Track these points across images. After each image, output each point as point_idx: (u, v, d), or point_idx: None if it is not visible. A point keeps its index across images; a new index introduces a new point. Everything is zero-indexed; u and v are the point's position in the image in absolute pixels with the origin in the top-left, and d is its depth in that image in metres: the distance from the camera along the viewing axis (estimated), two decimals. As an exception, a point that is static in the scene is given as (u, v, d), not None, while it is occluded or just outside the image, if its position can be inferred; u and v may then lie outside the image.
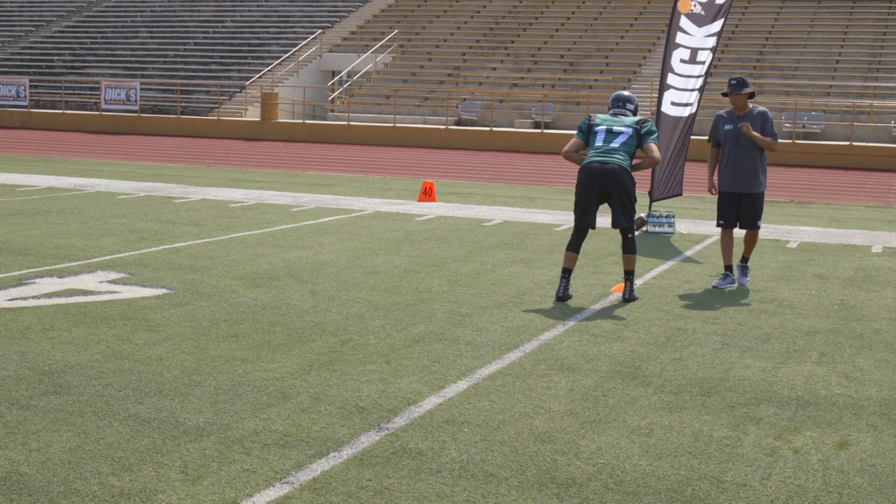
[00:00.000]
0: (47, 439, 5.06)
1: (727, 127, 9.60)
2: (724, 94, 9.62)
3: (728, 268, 9.78)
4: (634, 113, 9.14)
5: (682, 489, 4.70)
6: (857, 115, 30.51)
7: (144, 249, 10.85)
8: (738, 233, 10.01)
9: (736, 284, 9.75)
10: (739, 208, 9.67)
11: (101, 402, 5.64)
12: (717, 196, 9.89)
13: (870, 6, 37.23)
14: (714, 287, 9.65)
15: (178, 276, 9.36)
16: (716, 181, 9.92)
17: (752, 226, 9.70)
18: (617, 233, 13.32)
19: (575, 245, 8.98)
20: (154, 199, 15.68)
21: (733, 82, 9.52)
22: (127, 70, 39.93)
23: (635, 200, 9.00)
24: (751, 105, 9.63)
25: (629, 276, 8.98)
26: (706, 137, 10.18)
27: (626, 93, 9.27)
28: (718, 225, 9.82)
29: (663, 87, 13.69)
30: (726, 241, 9.80)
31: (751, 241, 9.86)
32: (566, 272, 8.87)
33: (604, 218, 14.72)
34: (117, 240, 11.45)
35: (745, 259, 9.91)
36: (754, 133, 9.42)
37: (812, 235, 13.52)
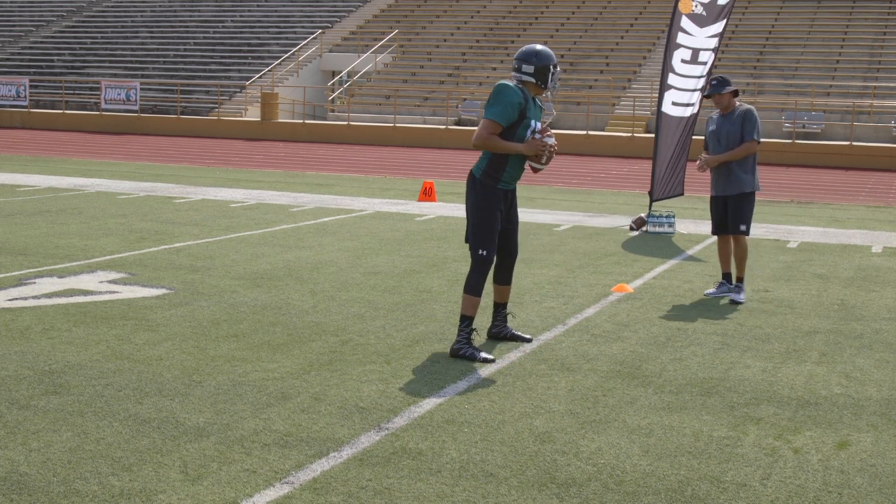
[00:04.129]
0: (47, 439, 5.06)
1: (710, 129, 9.20)
2: (707, 97, 9.20)
3: (726, 276, 9.29)
4: (535, 76, 6.86)
5: (682, 489, 4.70)
6: (857, 115, 30.51)
7: (144, 249, 10.84)
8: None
9: (731, 294, 9.10)
10: (727, 212, 9.14)
11: (101, 402, 5.64)
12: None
13: (870, 6, 37.23)
14: (706, 295, 9.21)
15: (178, 276, 9.35)
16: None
17: (735, 230, 9.05)
18: (616, 232, 13.34)
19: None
20: (154, 199, 15.68)
21: (714, 82, 9.06)
22: (127, 70, 39.94)
23: (475, 218, 6.90)
24: (737, 103, 9.13)
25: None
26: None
27: (526, 48, 6.95)
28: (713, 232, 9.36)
29: (664, 87, 13.71)
30: (721, 247, 9.31)
31: (739, 256, 9.08)
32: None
33: (603, 218, 14.78)
34: (117, 240, 11.45)
35: (739, 280, 9.09)
36: (717, 158, 8.99)
37: (812, 235, 13.52)
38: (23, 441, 5.02)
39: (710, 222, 9.51)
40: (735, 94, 9.13)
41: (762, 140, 9.31)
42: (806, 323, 8.26)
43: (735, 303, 8.90)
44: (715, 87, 9.06)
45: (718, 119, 9.17)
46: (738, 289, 9.06)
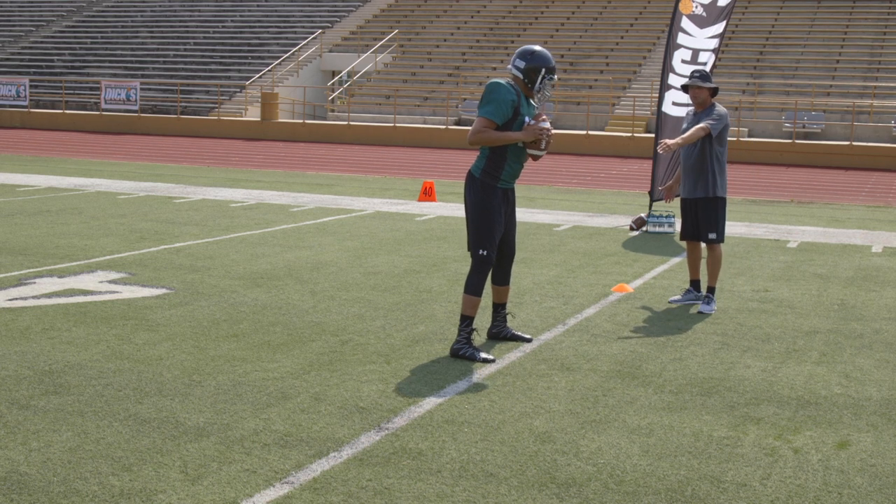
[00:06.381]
0: (47, 439, 5.06)
1: (684, 126, 8.82)
2: (685, 89, 8.80)
3: (694, 283, 8.88)
4: (524, 73, 6.80)
5: (682, 489, 4.70)
6: (857, 115, 30.51)
7: (144, 249, 10.85)
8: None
9: (700, 304, 8.66)
10: (697, 217, 8.70)
11: (101, 402, 5.64)
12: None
13: (870, 6, 37.23)
14: (670, 302, 8.83)
15: (178, 276, 9.35)
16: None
17: (703, 237, 8.62)
18: (617, 232, 13.34)
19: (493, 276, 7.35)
20: (154, 199, 15.68)
21: (696, 74, 8.64)
22: (127, 70, 39.93)
23: (475, 217, 6.83)
24: (712, 102, 8.63)
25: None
26: None
27: (526, 46, 6.93)
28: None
29: (664, 87, 13.72)
30: (689, 253, 8.90)
31: (712, 265, 8.62)
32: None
33: (603, 218, 14.77)
34: (117, 240, 11.45)
35: (710, 289, 8.64)
36: (668, 142, 8.33)
37: (812, 235, 13.52)
38: (23, 441, 5.02)
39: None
40: (713, 93, 8.69)
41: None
42: (806, 323, 8.26)
43: (702, 314, 8.44)
44: (696, 80, 8.60)
45: (692, 117, 8.76)
46: (709, 299, 8.60)
